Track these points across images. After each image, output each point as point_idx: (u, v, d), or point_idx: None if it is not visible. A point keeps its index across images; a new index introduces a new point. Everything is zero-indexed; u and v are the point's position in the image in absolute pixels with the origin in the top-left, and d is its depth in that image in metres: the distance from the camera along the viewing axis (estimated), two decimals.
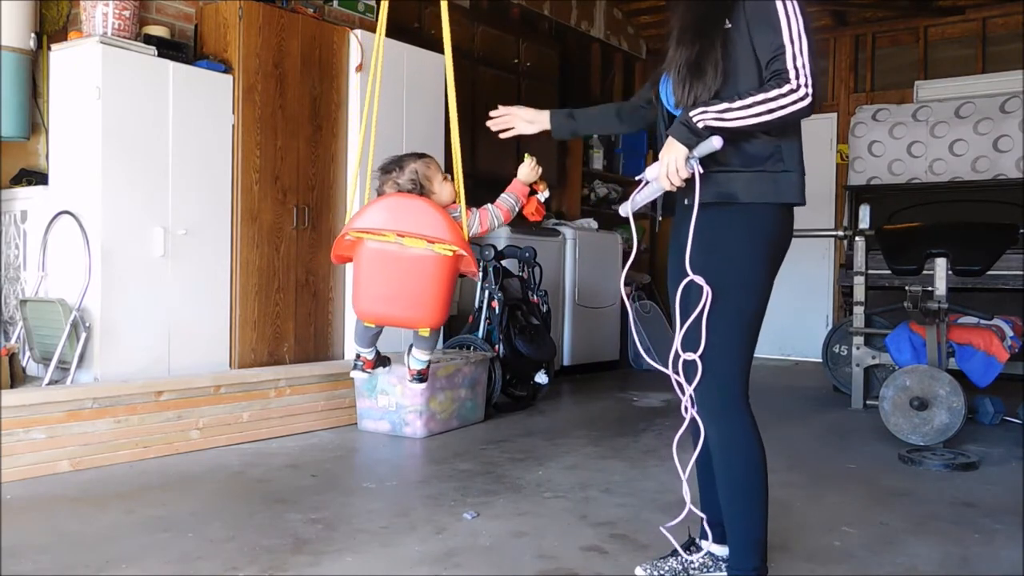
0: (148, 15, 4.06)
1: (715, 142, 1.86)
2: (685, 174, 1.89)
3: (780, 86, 1.85)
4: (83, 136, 3.63)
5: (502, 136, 2.41)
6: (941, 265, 4.40)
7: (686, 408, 1.98)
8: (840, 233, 5.37)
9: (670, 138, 1.91)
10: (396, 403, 4.04)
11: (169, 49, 3.86)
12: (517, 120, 2.38)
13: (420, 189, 2.35)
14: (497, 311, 4.69)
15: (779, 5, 1.89)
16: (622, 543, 2.52)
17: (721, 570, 2.15)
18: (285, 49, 4.27)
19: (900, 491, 3.21)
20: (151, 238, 3.76)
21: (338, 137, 4.57)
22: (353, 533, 2.57)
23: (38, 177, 3.86)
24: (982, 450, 3.91)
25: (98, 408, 3.34)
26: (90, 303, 3.57)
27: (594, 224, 6.72)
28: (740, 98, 1.86)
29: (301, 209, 4.37)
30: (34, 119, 3.82)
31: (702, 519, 2.17)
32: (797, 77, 1.85)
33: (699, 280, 1.92)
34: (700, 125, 1.86)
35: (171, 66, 3.82)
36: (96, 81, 3.56)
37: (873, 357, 4.97)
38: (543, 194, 2.45)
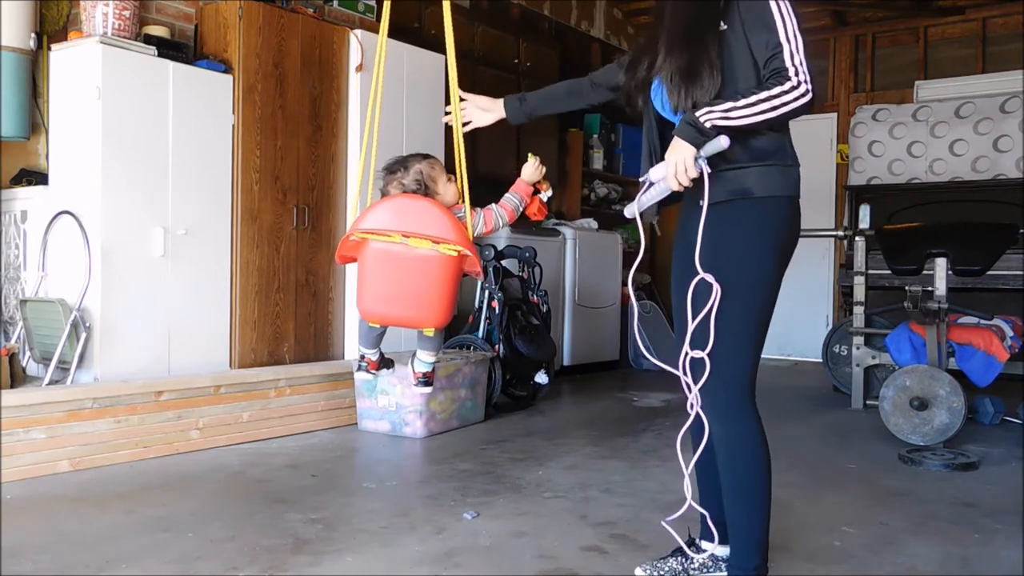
0: (148, 15, 4.06)
1: (723, 141, 1.86)
2: (694, 174, 1.89)
3: (781, 83, 1.87)
4: (83, 136, 3.63)
5: (460, 129, 2.43)
6: (941, 265, 4.40)
7: (692, 405, 1.97)
8: (840, 233, 5.38)
9: (676, 138, 1.91)
10: (396, 403, 4.04)
11: (169, 49, 3.86)
12: (474, 110, 2.42)
13: (424, 189, 2.35)
14: (497, 311, 4.69)
15: (772, 5, 1.92)
16: (622, 543, 2.52)
17: (721, 570, 2.15)
18: (285, 49, 4.28)
19: (900, 491, 3.21)
20: (151, 238, 3.76)
21: (338, 137, 4.57)
22: (353, 533, 2.57)
23: (38, 177, 3.86)
24: (982, 450, 3.91)
25: (98, 408, 3.34)
26: (90, 303, 3.57)
27: (594, 224, 6.72)
28: (743, 97, 1.87)
29: (301, 209, 4.37)
30: (34, 119, 3.82)
31: (704, 516, 2.17)
32: (797, 74, 1.87)
33: (709, 278, 1.92)
34: (707, 125, 1.86)
35: (171, 66, 3.82)
36: (96, 81, 3.57)
37: (873, 357, 4.97)
38: (546, 193, 2.45)
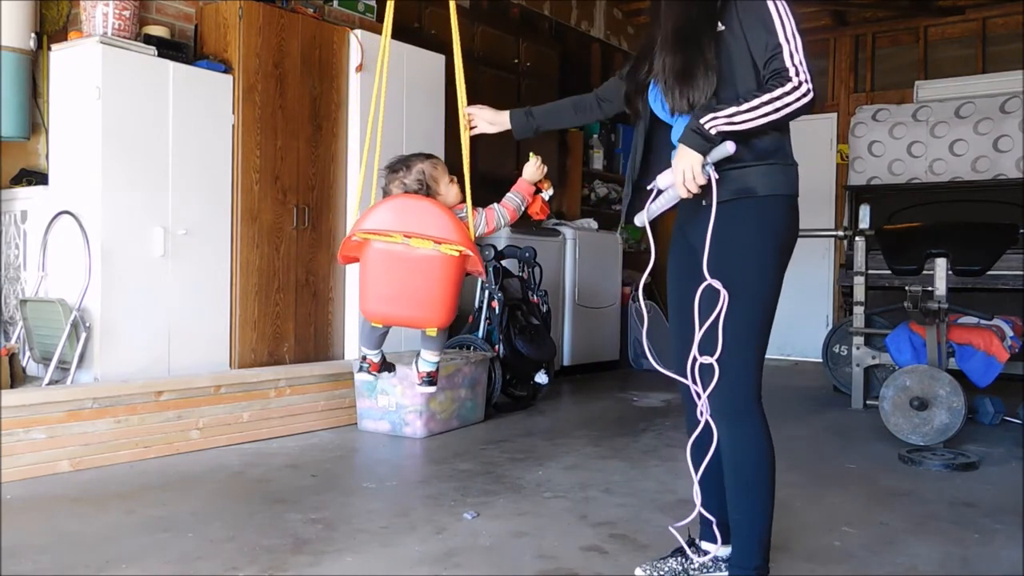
0: (148, 15, 4.06)
1: (728, 147, 1.87)
2: (702, 180, 1.90)
3: (783, 84, 1.87)
4: (83, 136, 3.63)
5: (464, 135, 2.44)
6: (941, 265, 4.40)
7: (701, 412, 1.97)
8: (840, 233, 5.38)
9: (682, 146, 1.91)
10: (396, 403, 4.04)
11: (169, 49, 3.86)
12: (479, 121, 2.43)
13: (426, 189, 2.35)
14: (497, 311, 4.69)
15: (771, 5, 1.92)
16: (622, 543, 2.52)
17: (721, 570, 2.15)
18: (285, 49, 4.28)
19: (900, 491, 3.21)
20: (151, 238, 3.76)
21: (338, 137, 4.57)
22: (353, 533, 2.57)
23: (38, 177, 3.86)
24: (982, 450, 3.91)
25: (98, 408, 3.34)
26: (90, 303, 3.57)
27: (594, 224, 6.72)
28: (745, 100, 1.88)
29: (301, 209, 4.37)
30: (34, 119, 3.82)
31: (711, 520, 2.17)
32: (797, 74, 1.88)
33: (716, 284, 1.92)
34: (712, 131, 1.87)
35: (171, 66, 3.82)
36: (96, 81, 3.57)
37: (873, 357, 4.97)
38: (547, 192, 2.44)
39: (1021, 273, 5.28)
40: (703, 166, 1.90)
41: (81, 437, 3.28)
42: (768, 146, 1.97)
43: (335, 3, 4.93)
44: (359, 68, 4.57)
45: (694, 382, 1.98)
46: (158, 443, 3.51)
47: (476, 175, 2.57)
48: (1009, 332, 4.47)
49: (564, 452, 3.77)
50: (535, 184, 2.41)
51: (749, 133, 1.90)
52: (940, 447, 3.89)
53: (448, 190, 2.38)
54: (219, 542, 2.47)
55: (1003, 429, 4.52)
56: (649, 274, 2.22)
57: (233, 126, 4.08)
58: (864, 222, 5.05)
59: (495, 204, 2.39)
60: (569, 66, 7.16)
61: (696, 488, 2.02)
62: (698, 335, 1.95)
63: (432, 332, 2.41)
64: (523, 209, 2.40)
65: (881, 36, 7.65)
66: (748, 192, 1.96)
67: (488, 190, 2.48)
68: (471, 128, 2.45)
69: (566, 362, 6.21)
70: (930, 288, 4.38)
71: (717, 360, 1.93)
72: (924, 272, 4.49)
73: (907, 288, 4.39)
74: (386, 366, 2.62)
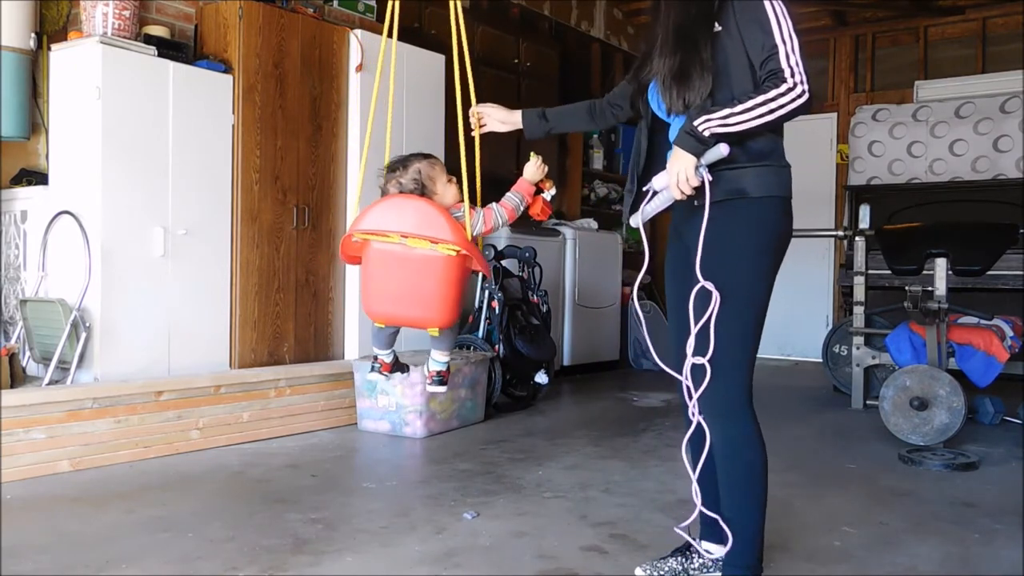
0: (148, 15, 4.06)
1: (722, 149, 1.88)
2: (696, 183, 1.91)
3: (778, 86, 1.87)
4: (83, 136, 3.63)
5: (472, 133, 2.44)
6: (941, 265, 4.40)
7: (694, 413, 1.98)
8: (840, 233, 5.38)
9: (677, 148, 1.92)
10: (396, 403, 4.04)
11: (169, 49, 3.86)
12: (490, 120, 2.43)
13: (422, 189, 2.34)
14: (497, 311, 4.69)
15: (767, 6, 1.91)
16: (622, 543, 2.52)
17: (721, 570, 2.15)
18: (285, 49, 4.28)
19: (900, 491, 3.21)
20: (151, 238, 3.76)
21: (338, 137, 4.57)
22: (353, 533, 2.57)
23: (38, 177, 3.86)
24: (982, 450, 3.91)
25: (98, 408, 3.34)
26: (90, 303, 3.57)
27: (594, 224, 6.72)
28: (740, 102, 1.88)
29: (301, 209, 4.37)
30: (34, 119, 3.82)
31: (716, 519, 2.17)
32: (793, 75, 1.87)
33: (709, 286, 1.93)
34: (706, 134, 1.87)
35: (171, 66, 3.82)
36: (96, 81, 3.57)
37: (873, 357, 4.97)
38: (549, 193, 2.42)
39: (1021, 273, 5.28)
40: (696, 168, 1.90)
41: (81, 437, 3.28)
42: (762, 148, 1.97)
43: (335, 3, 4.93)
44: (359, 68, 4.57)
45: (688, 382, 1.99)
46: (158, 443, 3.51)
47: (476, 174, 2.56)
48: (1009, 332, 4.47)
49: (564, 452, 3.77)
50: (536, 184, 2.39)
51: (744, 134, 1.90)
52: (940, 447, 3.89)
53: (446, 190, 2.37)
54: (219, 542, 2.47)
55: (1003, 429, 4.52)
56: (646, 273, 2.23)
57: (233, 126, 4.08)
58: (864, 222, 5.05)
59: (493, 204, 2.37)
60: (569, 66, 7.15)
61: (694, 487, 2.02)
62: (692, 336, 1.96)
63: (434, 332, 2.41)
64: (522, 209, 2.38)
65: (881, 36, 7.65)
66: (741, 193, 1.96)
67: (488, 189, 2.46)
68: (481, 126, 2.44)
69: (566, 362, 6.22)
70: (930, 288, 4.38)
71: (709, 360, 1.93)
72: (924, 272, 4.49)
73: (907, 288, 4.39)
74: (399, 367, 2.60)
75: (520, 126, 2.42)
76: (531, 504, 2.93)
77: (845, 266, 5.72)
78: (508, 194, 2.38)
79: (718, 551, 2.16)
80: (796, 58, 1.89)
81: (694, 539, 2.23)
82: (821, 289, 7.74)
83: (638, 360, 6.76)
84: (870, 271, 5.09)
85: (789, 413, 4.95)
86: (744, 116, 1.87)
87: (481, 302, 4.75)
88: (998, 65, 7.01)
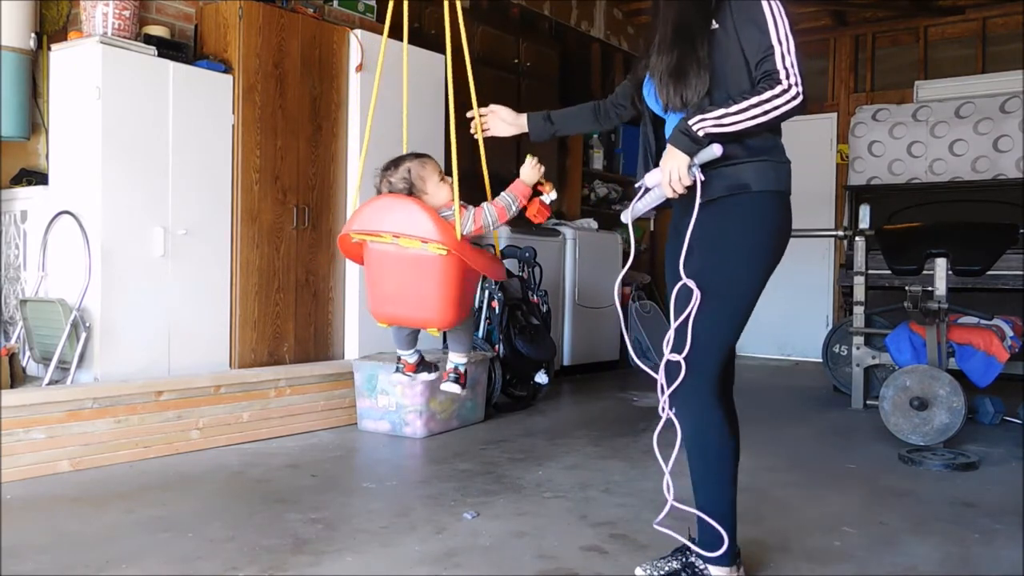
0: (148, 15, 4.06)
1: (715, 149, 1.89)
2: (688, 182, 1.92)
3: (772, 87, 1.88)
4: (83, 136, 3.63)
5: (475, 136, 2.44)
6: (941, 265, 4.40)
7: (663, 409, 2.00)
8: (840, 233, 5.38)
9: (670, 147, 1.93)
10: (396, 403, 4.04)
11: (169, 49, 3.86)
12: (495, 120, 2.43)
13: (411, 188, 2.32)
14: (497, 311, 4.69)
15: (765, 5, 1.92)
16: (622, 543, 2.52)
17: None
18: (285, 49, 4.28)
19: (900, 491, 3.21)
20: (151, 238, 3.76)
21: (338, 137, 4.57)
22: (353, 533, 2.57)
23: (38, 177, 3.86)
24: (982, 450, 3.91)
25: (98, 408, 3.34)
26: (90, 303, 3.57)
27: (594, 224, 6.72)
28: (735, 103, 1.89)
29: (301, 209, 4.37)
30: (34, 119, 3.82)
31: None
32: (788, 77, 1.88)
33: (690, 283, 1.95)
34: (700, 133, 1.88)
35: (171, 66, 3.82)
36: (96, 81, 3.57)
37: (873, 357, 4.97)
38: (549, 196, 2.39)
39: (1021, 273, 5.28)
40: (689, 167, 1.91)
41: (81, 437, 3.28)
42: (761, 144, 1.98)
43: (335, 3, 4.93)
44: (359, 68, 4.57)
45: (666, 377, 2.01)
46: (158, 443, 3.51)
47: (476, 175, 2.56)
48: (1009, 332, 4.47)
49: (564, 452, 3.77)
50: (534, 186, 2.38)
51: (739, 134, 1.91)
52: (940, 447, 3.89)
53: (438, 189, 2.34)
54: (219, 542, 2.47)
55: (1003, 429, 4.52)
56: (638, 268, 2.24)
57: (233, 126, 4.08)
58: (864, 222, 5.05)
59: (485, 203, 2.34)
60: (569, 66, 7.15)
61: (667, 479, 2.06)
62: (672, 331, 1.98)
63: (434, 332, 2.40)
64: (515, 210, 2.34)
65: (881, 36, 7.65)
66: (741, 188, 1.98)
67: (492, 190, 2.45)
68: (484, 130, 2.43)
69: (566, 362, 6.22)
70: (930, 288, 4.38)
71: (690, 358, 1.97)
72: (924, 272, 4.49)
73: (907, 288, 4.39)
74: (425, 366, 2.58)
75: (526, 129, 2.42)
76: (531, 504, 2.93)
77: (845, 266, 5.72)
78: (502, 194, 2.36)
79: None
80: (792, 59, 1.90)
81: (694, 539, 2.23)
82: (821, 289, 7.74)
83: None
84: (870, 271, 5.09)
85: (789, 413, 4.95)
86: (739, 117, 1.88)
87: (481, 302, 4.75)
88: (998, 65, 7.01)
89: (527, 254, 5.03)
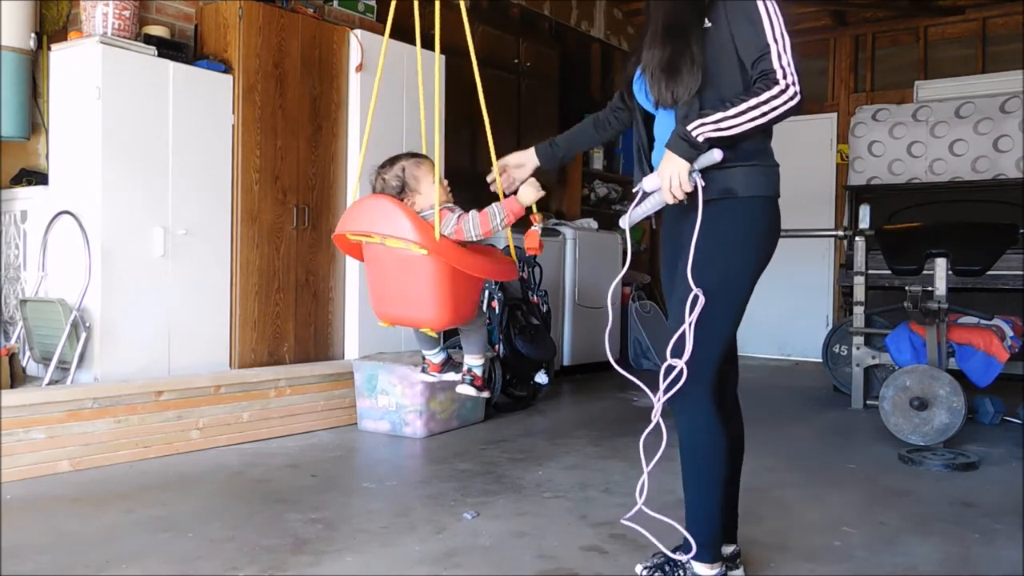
0: (148, 15, 4.06)
1: (715, 155, 1.88)
2: (689, 188, 1.91)
3: (770, 87, 1.87)
4: (83, 136, 3.63)
5: (493, 189, 2.39)
6: (941, 265, 4.40)
7: (656, 412, 2.01)
8: (840, 233, 5.37)
9: (670, 153, 1.92)
10: (396, 403, 4.04)
11: (169, 49, 3.86)
12: (511, 172, 2.38)
13: (404, 187, 2.30)
14: (497, 311, 4.69)
15: (760, 4, 1.91)
16: (622, 543, 2.52)
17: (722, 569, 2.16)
18: (285, 49, 4.28)
19: (900, 491, 3.21)
20: (151, 238, 3.76)
21: (338, 137, 4.57)
22: (353, 533, 2.57)
23: (38, 177, 3.86)
24: (982, 450, 3.91)
25: (98, 408, 3.34)
26: (90, 303, 3.57)
27: (594, 224, 6.73)
28: (732, 104, 1.88)
29: (301, 209, 4.37)
30: (34, 119, 3.82)
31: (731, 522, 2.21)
32: (785, 76, 1.87)
33: (698, 291, 1.94)
34: (700, 139, 1.87)
35: (171, 66, 3.82)
36: (96, 81, 3.56)
37: (873, 357, 4.97)
38: (537, 225, 2.30)
39: (1021, 273, 5.28)
40: (690, 173, 1.90)
41: (81, 437, 3.28)
42: (751, 148, 1.97)
43: (335, 3, 4.93)
44: (359, 68, 4.57)
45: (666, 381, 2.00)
46: (158, 443, 3.51)
47: (476, 176, 2.55)
48: (1009, 332, 4.47)
49: (564, 452, 3.77)
50: (528, 210, 2.27)
51: (737, 137, 1.90)
52: (940, 447, 3.89)
53: (431, 191, 2.27)
54: (219, 542, 2.47)
55: (1003, 429, 4.52)
56: (638, 268, 2.23)
57: (233, 126, 4.08)
58: (864, 222, 5.05)
59: (474, 211, 2.26)
60: (569, 66, 7.16)
61: (644, 479, 2.05)
62: (674, 337, 1.97)
63: (431, 333, 2.39)
64: (499, 224, 2.23)
65: (881, 36, 7.65)
66: (730, 193, 1.97)
67: (488, 191, 2.44)
68: (510, 186, 2.37)
69: (566, 362, 6.22)
70: (930, 288, 4.38)
71: (689, 361, 1.96)
72: (924, 272, 4.49)
73: (907, 288, 4.39)
74: (451, 366, 2.55)
75: (537, 163, 2.38)
76: (531, 504, 2.93)
77: (845, 266, 5.72)
78: (493, 204, 2.25)
79: (728, 549, 2.21)
80: (788, 58, 1.88)
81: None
82: (821, 289, 7.74)
83: (638, 360, 6.76)
84: (870, 271, 5.09)
85: (789, 413, 4.95)
86: (737, 119, 1.87)
87: (481, 302, 4.75)
88: (998, 65, 7.01)
89: (527, 255, 5.02)
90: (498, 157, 2.42)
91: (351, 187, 4.59)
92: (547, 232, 6.06)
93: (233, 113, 4.07)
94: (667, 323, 2.21)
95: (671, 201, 1.95)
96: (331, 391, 4.22)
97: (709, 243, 1.97)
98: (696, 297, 1.94)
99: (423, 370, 2.55)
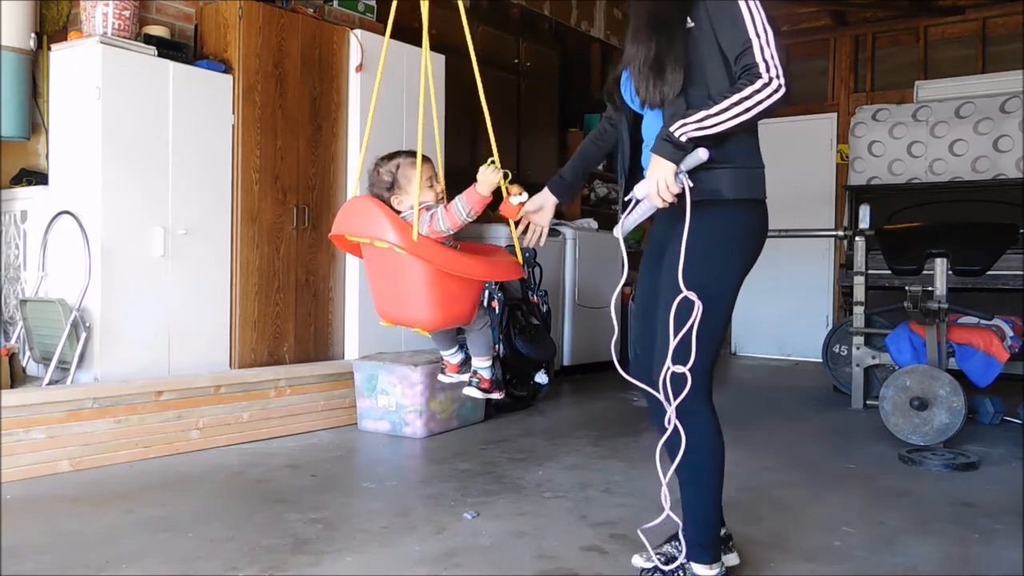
0: (148, 15, 4.06)
1: (701, 154, 1.87)
2: (676, 190, 1.90)
3: (753, 82, 1.86)
4: (83, 136, 3.63)
5: (535, 239, 2.36)
6: (941, 265, 4.40)
7: (669, 419, 2.00)
8: (840, 233, 5.37)
9: (655, 156, 1.91)
10: (396, 403, 4.04)
11: (169, 49, 3.86)
12: (532, 217, 2.32)
13: (394, 184, 2.29)
14: (497, 311, 4.69)
15: (740, 1, 1.90)
16: (622, 543, 2.52)
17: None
18: (285, 49, 4.28)
19: (900, 491, 3.21)
20: (151, 238, 3.76)
21: (338, 137, 4.57)
22: (353, 533, 2.57)
23: (38, 177, 3.86)
24: (982, 450, 3.91)
25: (98, 408, 3.34)
26: (90, 303, 3.57)
27: (594, 224, 6.72)
28: (716, 103, 1.87)
29: (301, 209, 4.37)
30: (34, 119, 3.82)
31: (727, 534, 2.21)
32: (768, 70, 1.85)
33: (692, 296, 1.93)
34: (683, 139, 1.86)
35: (171, 66, 3.82)
36: (96, 81, 3.57)
37: (873, 357, 4.97)
38: (518, 197, 2.27)
39: (1021, 273, 5.28)
40: (676, 175, 1.89)
41: (81, 437, 3.28)
42: (736, 148, 1.96)
43: (335, 3, 4.93)
44: (359, 68, 4.57)
45: (660, 388, 2.00)
46: (158, 443, 3.51)
47: (474, 179, 2.52)
48: (1009, 332, 4.47)
49: (564, 452, 3.77)
50: (500, 190, 2.24)
51: (721, 135, 1.89)
52: (940, 447, 3.89)
53: (420, 191, 2.23)
54: (219, 542, 2.47)
55: (1003, 429, 4.52)
56: (625, 284, 2.23)
57: (233, 126, 4.08)
58: (864, 222, 5.05)
59: (442, 207, 2.23)
60: (569, 66, 7.15)
61: (664, 491, 2.05)
62: (672, 344, 1.96)
63: (424, 333, 2.38)
64: (466, 217, 2.20)
65: (881, 36, 7.65)
66: (713, 195, 1.96)
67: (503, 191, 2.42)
68: (537, 229, 2.33)
69: (566, 362, 6.21)
70: (930, 288, 4.38)
71: (681, 366, 1.96)
72: (924, 272, 4.49)
73: (907, 288, 4.39)
74: (469, 367, 2.52)
75: (555, 200, 2.34)
76: (531, 504, 2.93)
77: (845, 266, 5.72)
78: (456, 199, 2.22)
79: (731, 559, 2.23)
80: (771, 51, 1.86)
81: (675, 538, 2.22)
82: (821, 289, 7.74)
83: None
84: (870, 271, 5.09)
85: (789, 413, 4.95)
86: (721, 117, 1.86)
87: (480, 302, 4.74)
88: (998, 65, 7.01)
89: (527, 254, 5.03)
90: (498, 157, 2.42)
91: (351, 187, 4.57)
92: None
93: (233, 113, 4.07)
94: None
95: (661, 205, 1.93)
96: (331, 391, 4.22)
97: (697, 245, 1.95)
98: (691, 302, 1.93)
99: (442, 371, 2.54)
